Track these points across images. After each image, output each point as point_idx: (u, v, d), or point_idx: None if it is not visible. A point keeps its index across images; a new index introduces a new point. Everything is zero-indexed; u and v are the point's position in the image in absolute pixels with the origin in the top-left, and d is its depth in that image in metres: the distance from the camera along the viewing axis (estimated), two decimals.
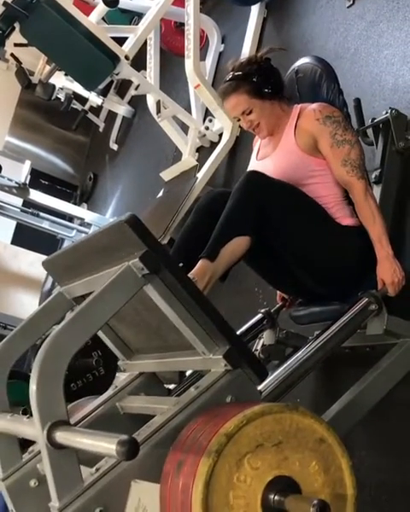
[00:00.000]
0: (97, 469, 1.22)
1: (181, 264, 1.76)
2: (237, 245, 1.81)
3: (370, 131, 2.25)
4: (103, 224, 1.43)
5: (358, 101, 2.30)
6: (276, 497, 1.15)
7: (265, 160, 2.11)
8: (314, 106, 2.03)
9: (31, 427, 1.25)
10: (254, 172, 1.93)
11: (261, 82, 2.01)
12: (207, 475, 1.13)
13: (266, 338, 2.22)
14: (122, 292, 1.34)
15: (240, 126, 2.19)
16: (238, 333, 2.17)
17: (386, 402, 1.78)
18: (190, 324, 1.42)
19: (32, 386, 1.17)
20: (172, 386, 1.90)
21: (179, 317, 1.42)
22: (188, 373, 1.95)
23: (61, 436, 1.14)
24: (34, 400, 1.17)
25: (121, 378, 1.79)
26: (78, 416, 1.66)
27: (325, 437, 1.25)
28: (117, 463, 1.22)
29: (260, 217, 1.85)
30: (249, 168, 2.18)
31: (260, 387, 1.53)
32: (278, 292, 2.33)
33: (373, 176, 2.12)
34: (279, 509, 1.14)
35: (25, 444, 1.54)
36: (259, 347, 2.22)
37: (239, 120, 2.11)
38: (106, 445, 1.01)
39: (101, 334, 1.75)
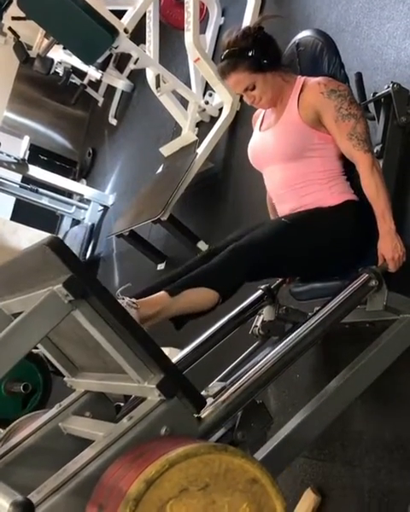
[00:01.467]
0: None
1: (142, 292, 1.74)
2: (204, 295, 1.76)
3: (371, 106, 2.23)
4: (32, 246, 1.37)
5: (359, 76, 2.27)
6: None
7: (267, 132, 2.10)
8: (319, 79, 2.01)
9: None
10: (239, 246, 1.86)
11: (259, 55, 1.97)
12: None
13: (266, 314, 2.23)
14: (47, 318, 1.30)
15: (241, 101, 2.17)
16: (238, 309, 2.18)
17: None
18: (122, 351, 1.38)
19: None
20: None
21: (110, 344, 1.38)
22: None
23: None
24: None
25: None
26: (21, 436, 1.64)
27: (258, 477, 1.19)
28: None
29: (252, 272, 1.85)
30: (252, 140, 2.17)
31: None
32: None
33: (375, 150, 2.10)
34: None
35: None
36: (259, 323, 2.22)
37: (242, 96, 2.09)
38: (1, 503, 0.98)
39: (44, 350, 1.73)
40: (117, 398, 1.82)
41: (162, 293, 1.74)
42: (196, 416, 1.43)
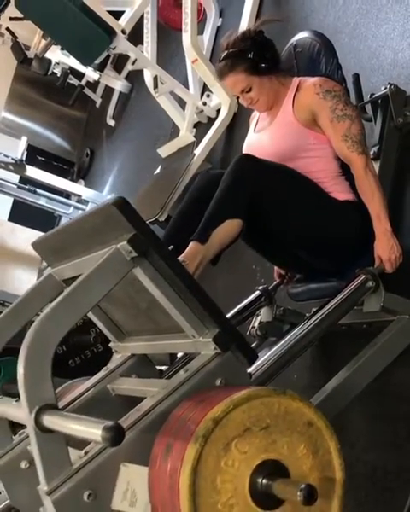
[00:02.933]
0: (86, 453, 1.22)
1: (172, 247, 1.76)
2: (229, 228, 1.79)
3: (368, 107, 2.24)
4: (94, 205, 1.41)
5: (357, 77, 2.28)
6: (264, 481, 1.15)
7: (262, 133, 2.10)
8: (314, 80, 2.01)
9: (19, 411, 1.25)
10: (246, 156, 1.90)
11: (257, 58, 1.98)
12: (195, 460, 1.13)
13: (264, 315, 2.23)
14: (110, 275, 1.33)
15: (239, 103, 2.17)
16: (236, 310, 2.18)
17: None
18: (179, 308, 1.41)
19: (20, 370, 1.17)
20: (164, 368, 1.90)
21: (169, 301, 1.40)
22: (179, 355, 1.95)
23: (49, 420, 1.14)
24: (22, 384, 1.17)
25: (117, 357, 1.79)
26: (69, 398, 1.65)
27: (314, 420, 1.25)
28: (105, 447, 1.21)
29: (252, 200, 1.83)
30: (246, 141, 2.18)
31: (251, 368, 1.54)
32: (276, 269, 2.33)
33: (372, 152, 2.10)
34: (267, 493, 1.14)
35: (16, 425, 1.54)
36: (256, 324, 2.23)
37: (238, 98, 2.09)
38: (92, 431, 1.01)
39: (92, 316, 1.75)
40: (161, 361, 1.87)
41: (194, 244, 1.77)
42: (247, 371, 1.47)
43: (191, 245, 1.77)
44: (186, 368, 1.39)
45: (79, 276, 1.34)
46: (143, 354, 1.73)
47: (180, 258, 1.71)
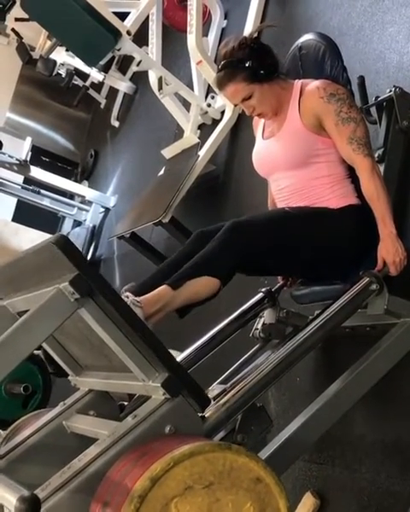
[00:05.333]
0: None
1: (141, 288, 1.73)
2: (205, 283, 1.77)
3: (373, 110, 2.24)
4: (39, 244, 1.37)
5: (362, 79, 2.27)
6: None
7: (270, 140, 2.09)
8: (317, 83, 2.00)
9: None
10: (235, 226, 1.87)
11: (256, 65, 1.97)
12: None
13: (267, 317, 2.23)
14: (53, 316, 1.30)
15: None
16: (239, 312, 2.18)
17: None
18: (127, 350, 1.38)
19: None
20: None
21: (116, 343, 1.38)
22: None
23: None
24: None
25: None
26: (26, 433, 1.65)
27: (262, 476, 1.20)
28: None
29: (247, 260, 1.84)
30: (256, 148, 2.17)
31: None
32: None
33: (376, 154, 2.10)
34: None
35: None
36: (259, 326, 2.22)
37: (238, 106, 2.09)
38: (8, 499, 0.99)
39: (48, 349, 1.73)
40: (121, 397, 1.82)
41: (164, 287, 1.73)
42: (200, 415, 1.44)
43: (161, 287, 1.73)
44: (135, 413, 1.36)
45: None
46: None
47: (141, 299, 1.67)
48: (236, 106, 2.10)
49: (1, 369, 1.23)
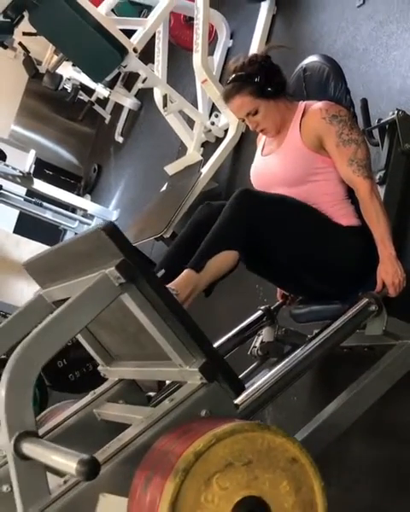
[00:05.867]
0: (65, 482, 1.21)
1: (164, 272, 1.76)
2: (225, 259, 1.80)
3: (376, 132, 2.25)
4: (86, 230, 1.41)
5: (365, 102, 2.29)
6: None
7: (269, 157, 2.11)
8: (320, 104, 2.03)
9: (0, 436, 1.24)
10: (245, 190, 1.91)
11: (264, 82, 2.01)
12: (174, 494, 1.11)
13: (265, 335, 2.23)
14: (97, 300, 1.32)
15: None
16: (237, 329, 2.18)
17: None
18: (166, 335, 1.40)
19: (1, 395, 1.16)
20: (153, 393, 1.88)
21: (156, 328, 1.40)
22: (168, 381, 1.93)
23: (28, 448, 1.13)
24: (3, 410, 1.16)
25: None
26: (55, 422, 1.65)
27: (298, 457, 1.23)
28: None
29: (252, 232, 1.84)
30: (254, 164, 2.19)
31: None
32: (279, 289, 2.33)
33: (378, 176, 2.12)
34: None
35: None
36: (257, 344, 2.23)
37: (244, 121, 2.11)
38: (68, 463, 1.00)
39: (81, 339, 1.74)
40: (149, 387, 1.86)
41: (188, 271, 1.76)
42: (234, 402, 1.46)
43: (185, 272, 1.76)
44: (171, 397, 1.38)
45: (68, 298, 1.33)
46: (132, 379, 1.72)
47: (171, 285, 1.69)
48: (242, 121, 2.12)
49: (45, 350, 1.25)
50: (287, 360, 1.71)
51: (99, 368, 1.80)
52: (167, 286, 1.66)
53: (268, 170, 2.09)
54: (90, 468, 0.97)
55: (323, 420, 1.66)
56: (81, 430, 1.64)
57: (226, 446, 1.17)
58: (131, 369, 1.69)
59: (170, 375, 1.54)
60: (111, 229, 1.34)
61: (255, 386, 1.64)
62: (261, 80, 2.00)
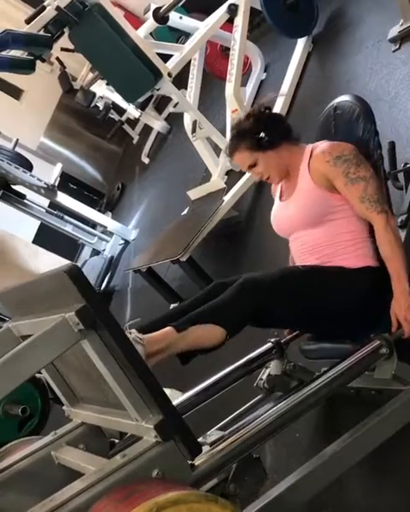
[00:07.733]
0: None
1: (140, 324, 1.74)
2: (209, 331, 1.77)
3: (401, 176, 2.27)
4: (53, 269, 1.38)
5: (392, 145, 2.31)
6: None
7: (287, 202, 2.14)
8: (323, 147, 2.05)
9: None
10: (250, 279, 1.89)
11: (259, 135, 2.06)
12: None
13: (273, 368, 2.22)
14: (56, 344, 1.30)
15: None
16: (245, 359, 2.17)
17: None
18: (124, 387, 1.37)
19: None
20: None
21: (113, 378, 1.37)
22: None
23: None
24: None
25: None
26: (13, 458, 1.63)
27: None
28: None
29: (260, 311, 1.85)
30: (273, 210, 2.23)
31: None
32: None
33: (400, 220, 2.12)
34: None
35: None
36: (264, 377, 2.21)
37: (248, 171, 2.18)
38: None
39: (47, 376, 1.73)
40: (112, 434, 1.81)
41: (169, 328, 1.74)
42: (189, 462, 1.42)
43: (166, 328, 1.74)
44: (124, 453, 1.35)
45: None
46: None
47: (145, 336, 1.67)
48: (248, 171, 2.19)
49: (1, 388, 1.24)
50: (292, 396, 1.70)
51: (64, 408, 1.78)
52: (138, 335, 1.65)
53: (287, 216, 2.13)
54: None
55: (322, 461, 1.64)
56: (35, 473, 1.60)
57: None
58: (94, 414, 1.66)
59: (127, 427, 1.50)
60: (75, 273, 1.30)
61: (259, 418, 1.62)
62: (256, 134, 2.07)
